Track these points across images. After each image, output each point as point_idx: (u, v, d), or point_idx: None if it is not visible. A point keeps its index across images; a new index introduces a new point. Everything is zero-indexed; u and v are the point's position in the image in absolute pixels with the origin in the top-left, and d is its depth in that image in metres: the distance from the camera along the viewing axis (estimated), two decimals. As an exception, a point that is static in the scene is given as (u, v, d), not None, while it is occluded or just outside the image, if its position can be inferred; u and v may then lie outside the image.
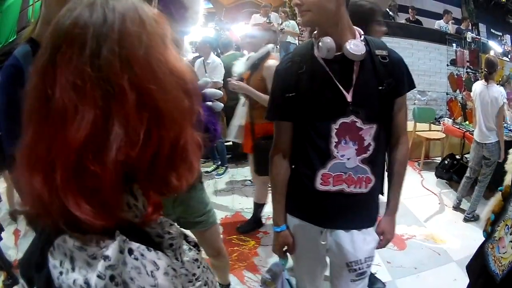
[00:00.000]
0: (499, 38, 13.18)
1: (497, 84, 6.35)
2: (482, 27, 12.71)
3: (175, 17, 1.88)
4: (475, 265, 1.73)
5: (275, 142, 2.00)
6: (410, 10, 10.64)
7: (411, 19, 10.50)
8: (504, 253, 1.13)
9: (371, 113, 1.82)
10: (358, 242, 1.95)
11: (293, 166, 1.98)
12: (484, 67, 5.01)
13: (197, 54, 6.19)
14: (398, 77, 1.86)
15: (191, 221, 2.48)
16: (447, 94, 7.98)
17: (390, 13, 10.32)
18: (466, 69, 7.45)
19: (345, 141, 1.81)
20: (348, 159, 1.83)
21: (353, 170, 1.85)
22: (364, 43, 1.79)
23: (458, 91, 7.45)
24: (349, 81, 1.78)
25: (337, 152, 1.82)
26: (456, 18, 10.70)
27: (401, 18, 10.68)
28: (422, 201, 5.59)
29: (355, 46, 1.75)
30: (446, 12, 10.47)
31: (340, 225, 1.93)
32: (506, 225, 1.17)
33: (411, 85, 1.95)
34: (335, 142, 1.81)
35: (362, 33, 1.86)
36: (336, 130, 1.80)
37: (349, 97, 1.78)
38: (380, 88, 1.80)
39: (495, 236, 1.21)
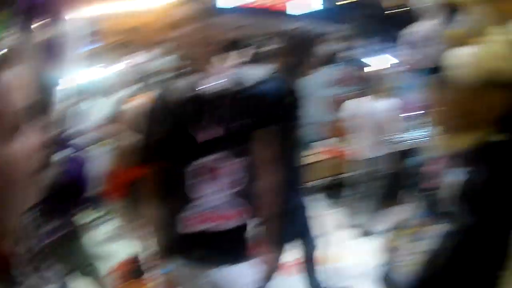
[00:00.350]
0: (387, 51, 13.96)
1: (384, 97, 6.64)
2: (369, 42, 13.35)
3: (49, 61, 1.83)
4: (385, 276, 1.80)
5: (147, 186, 1.99)
6: None
7: None
8: (406, 262, 1.23)
9: (237, 148, 1.86)
10: (240, 276, 1.96)
11: (166, 208, 1.96)
12: (368, 83, 5.21)
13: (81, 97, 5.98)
14: (262, 109, 1.92)
15: (82, 271, 2.60)
16: (326, 115, 8.12)
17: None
18: (348, 87, 7.65)
19: (214, 178, 1.84)
20: (218, 195, 1.86)
21: (224, 206, 1.88)
22: (229, 75, 1.85)
23: (338, 111, 7.60)
24: (214, 116, 1.82)
25: (206, 190, 1.85)
26: (340, 37, 10.95)
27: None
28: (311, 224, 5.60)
29: (220, 79, 1.81)
30: (329, 33, 10.74)
31: (219, 262, 1.93)
32: (404, 235, 1.28)
33: (277, 116, 2.03)
34: (203, 180, 1.84)
35: (226, 66, 1.90)
36: (204, 168, 1.83)
37: (215, 133, 1.82)
38: (244, 121, 1.85)
39: (395, 247, 1.28)
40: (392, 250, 1.31)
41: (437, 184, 1.18)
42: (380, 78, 5.32)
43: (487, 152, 1.02)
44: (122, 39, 9.46)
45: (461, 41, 1.03)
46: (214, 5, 10.14)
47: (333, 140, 6.99)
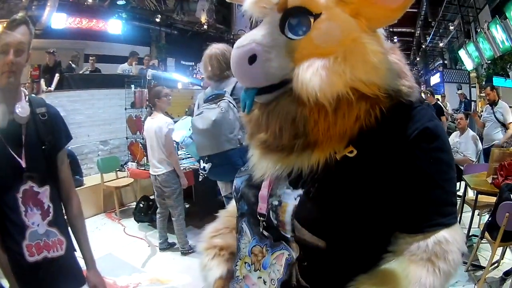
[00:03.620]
0: (190, 68, 14.31)
1: (185, 114, 6.59)
2: (171, 61, 13.50)
3: None
4: None
5: None
6: (90, 58, 10.44)
7: (90, 68, 10.30)
8: None
9: (42, 174, 1.86)
10: None
11: (5, 245, 1.84)
12: (149, 101, 5.05)
13: None
14: (57, 132, 1.96)
15: None
16: (127, 138, 7.94)
17: (73, 65, 10.09)
18: (146, 107, 7.49)
19: (31, 208, 1.81)
20: (38, 225, 1.83)
21: (46, 235, 1.86)
22: (28, 103, 1.85)
23: (138, 132, 7.41)
24: (20, 145, 1.80)
25: (28, 221, 1.81)
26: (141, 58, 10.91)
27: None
28: (132, 248, 5.49)
29: (22, 108, 1.80)
30: (132, 54, 10.56)
31: None
32: (245, 262, 1.13)
33: (68, 137, 2.06)
34: (24, 211, 1.80)
35: (27, 93, 1.91)
36: (21, 199, 1.79)
37: (23, 163, 1.80)
38: (44, 147, 1.86)
39: (238, 276, 1.15)
40: (236, 279, 1.15)
41: (268, 207, 1.06)
42: (158, 94, 5.05)
43: (332, 170, 0.96)
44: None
45: (310, 53, 0.95)
46: (49, 26, 9.26)
47: (137, 162, 6.70)
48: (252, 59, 0.96)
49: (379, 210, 0.95)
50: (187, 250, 5.14)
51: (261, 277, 1.07)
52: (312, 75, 0.91)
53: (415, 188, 0.94)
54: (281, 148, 1.00)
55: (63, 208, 2.02)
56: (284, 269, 1.01)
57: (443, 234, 0.93)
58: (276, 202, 1.03)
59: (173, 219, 5.12)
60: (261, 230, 1.07)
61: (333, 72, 0.90)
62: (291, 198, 1.00)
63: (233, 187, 1.23)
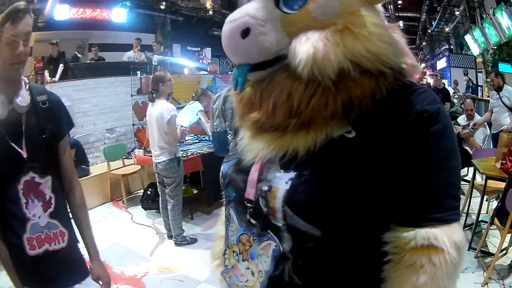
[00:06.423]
0: (196, 54, 14.33)
1: (192, 99, 6.53)
2: (177, 47, 13.53)
3: None
4: None
5: None
6: (92, 48, 10.50)
7: (94, 58, 10.37)
8: (246, 281, 1.02)
9: (44, 164, 1.82)
10: None
11: (5, 238, 1.81)
12: (151, 86, 4.92)
13: None
14: (59, 120, 1.91)
15: None
16: (133, 125, 8.01)
17: (79, 55, 10.14)
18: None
19: (32, 199, 1.79)
20: (39, 217, 1.81)
21: (47, 228, 1.83)
22: (28, 92, 1.80)
23: (145, 118, 7.40)
24: (21, 136, 1.77)
25: (30, 213, 1.78)
26: (148, 45, 10.94)
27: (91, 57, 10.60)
28: (139, 236, 5.49)
29: (22, 97, 1.75)
30: (135, 41, 10.61)
31: (60, 285, 1.90)
32: (233, 251, 1.06)
33: (70, 125, 2.02)
34: (25, 203, 1.77)
35: (27, 81, 1.85)
36: (22, 191, 1.76)
37: (24, 153, 1.76)
38: (44, 136, 1.82)
39: (227, 265, 1.08)
40: (226, 268, 1.02)
41: (257, 193, 0.97)
42: (159, 80, 4.84)
43: (328, 151, 0.90)
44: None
45: (307, 26, 0.90)
46: (52, 18, 9.31)
47: (144, 148, 6.66)
48: (245, 32, 0.91)
49: (375, 196, 0.89)
50: (180, 241, 5.09)
51: (249, 268, 1.01)
52: (309, 47, 0.86)
53: (411, 176, 0.88)
54: (275, 127, 0.94)
55: (66, 198, 2.00)
56: (271, 261, 0.95)
57: (436, 231, 0.85)
58: (265, 188, 0.95)
59: (168, 207, 5.05)
60: (248, 217, 1.00)
61: (332, 44, 0.85)
62: (282, 182, 0.92)
63: (220, 172, 1.14)
